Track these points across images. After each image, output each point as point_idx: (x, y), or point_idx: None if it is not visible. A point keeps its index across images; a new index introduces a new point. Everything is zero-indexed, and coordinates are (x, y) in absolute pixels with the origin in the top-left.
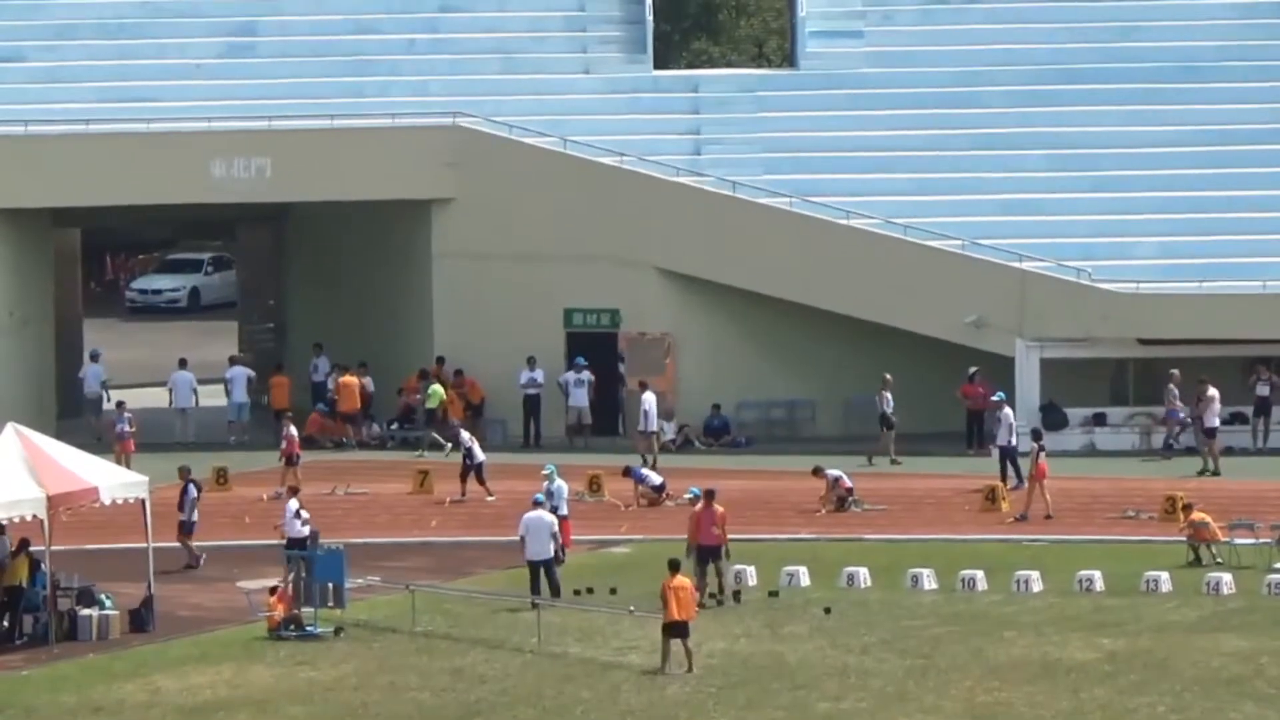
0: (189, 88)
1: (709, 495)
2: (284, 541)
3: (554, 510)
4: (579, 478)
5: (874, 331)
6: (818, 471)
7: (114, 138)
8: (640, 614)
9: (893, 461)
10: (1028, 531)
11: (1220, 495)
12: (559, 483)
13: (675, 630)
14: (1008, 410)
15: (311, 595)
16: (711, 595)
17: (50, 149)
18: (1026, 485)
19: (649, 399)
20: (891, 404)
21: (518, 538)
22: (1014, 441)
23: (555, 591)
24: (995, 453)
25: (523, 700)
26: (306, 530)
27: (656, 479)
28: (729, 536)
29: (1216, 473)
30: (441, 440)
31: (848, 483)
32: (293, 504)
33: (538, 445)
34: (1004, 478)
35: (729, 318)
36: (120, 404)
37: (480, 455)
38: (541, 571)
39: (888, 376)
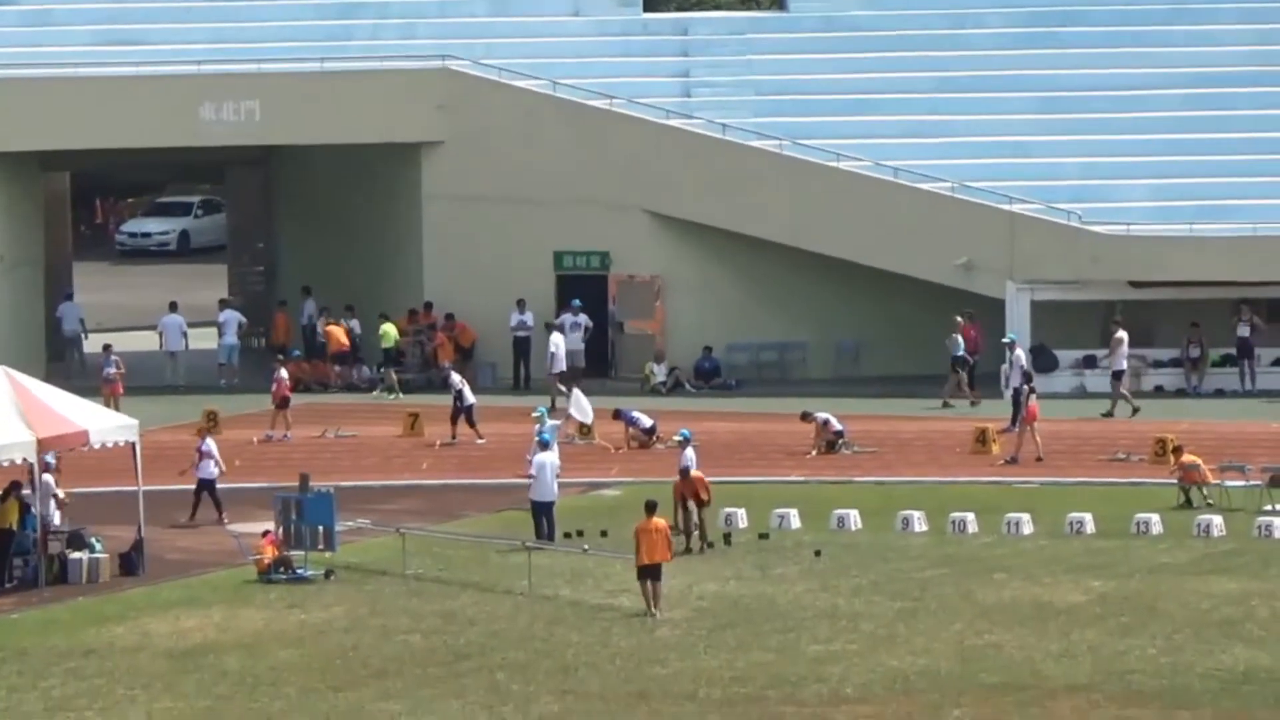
0: (178, 31)
1: (684, 472)
2: (194, 485)
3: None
4: (570, 420)
5: (864, 274)
6: (806, 416)
7: (103, 81)
8: (594, 553)
9: (972, 403)
10: (1018, 474)
11: (1210, 438)
12: (550, 424)
13: (648, 573)
14: (1020, 352)
15: (301, 538)
16: (705, 542)
17: (40, 92)
18: (1018, 428)
19: (556, 340)
20: (962, 346)
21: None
22: (1019, 384)
23: (550, 534)
24: (1009, 395)
25: (513, 643)
26: (217, 471)
27: (647, 421)
28: (708, 484)
29: (1110, 414)
30: (395, 384)
31: (837, 425)
32: (207, 443)
33: (527, 388)
34: (1015, 420)
35: (719, 260)
36: (107, 347)
37: (471, 398)
38: (542, 513)
39: (959, 319)
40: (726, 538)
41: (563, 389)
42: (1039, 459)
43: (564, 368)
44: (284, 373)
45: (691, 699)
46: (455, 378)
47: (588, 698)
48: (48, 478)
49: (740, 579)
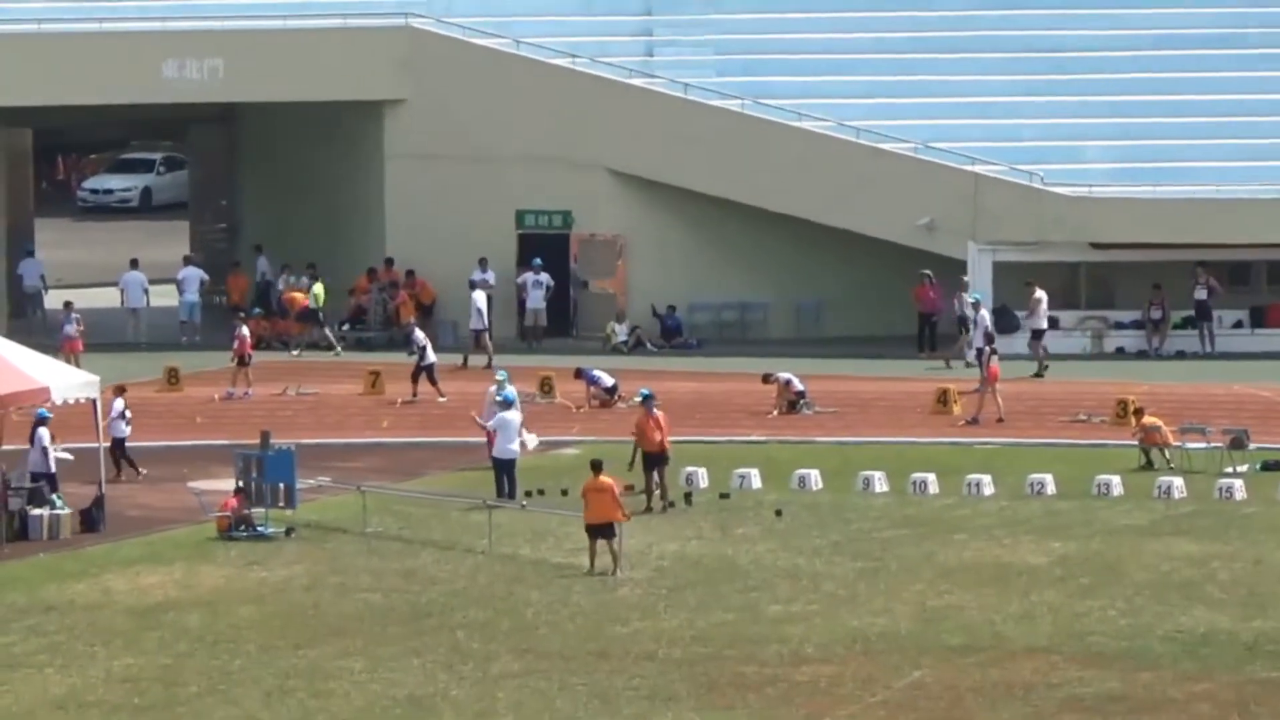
0: None
1: (648, 399)
2: (109, 444)
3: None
4: (531, 379)
5: (826, 234)
6: (768, 378)
7: (66, 37)
8: (533, 508)
9: (1038, 374)
10: (979, 435)
11: (1170, 399)
12: (510, 389)
13: (596, 532)
14: (984, 313)
15: (262, 496)
16: (666, 501)
17: (1, 48)
18: (979, 387)
19: (479, 298)
20: (969, 306)
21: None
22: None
23: (512, 493)
24: (972, 354)
25: (474, 602)
26: (129, 430)
27: (608, 380)
28: (669, 439)
29: (1040, 374)
30: (332, 341)
31: (799, 385)
32: (118, 403)
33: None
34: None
35: (681, 220)
36: (68, 304)
37: (432, 356)
38: (504, 471)
39: (966, 279)
40: (687, 497)
41: (485, 349)
42: (1000, 420)
43: (485, 325)
44: (245, 330)
45: (652, 658)
46: (419, 335)
47: (548, 656)
48: (44, 432)
49: (701, 539)
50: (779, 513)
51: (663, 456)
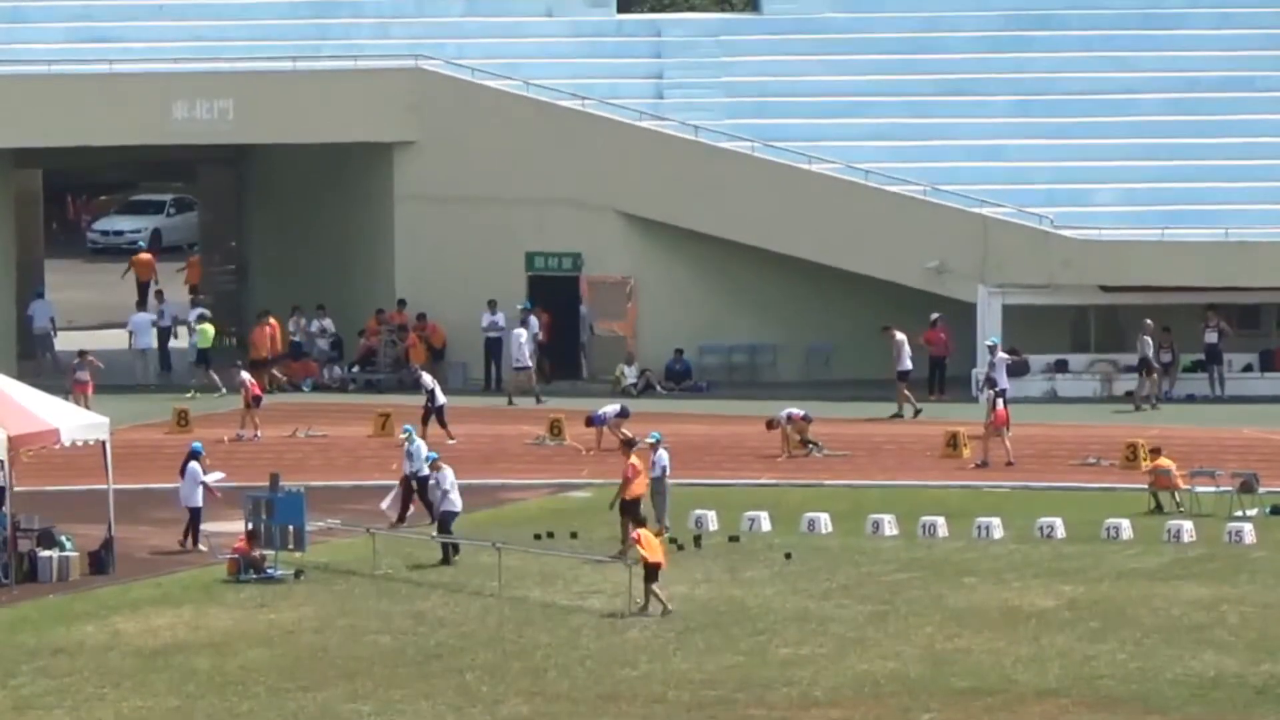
0: (151, 29)
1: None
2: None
3: (415, 473)
4: (540, 421)
5: (836, 277)
6: (772, 424)
7: (76, 79)
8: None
9: (1153, 405)
10: (989, 478)
11: (1181, 442)
12: (418, 443)
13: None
14: (1002, 355)
15: (272, 538)
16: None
17: (12, 90)
18: (984, 431)
19: (521, 334)
20: (1151, 347)
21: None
22: (1006, 387)
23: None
24: (987, 395)
25: (483, 644)
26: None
27: (614, 408)
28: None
29: (900, 415)
30: (218, 383)
31: (799, 412)
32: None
33: (499, 388)
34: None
35: (691, 262)
36: (82, 353)
37: (442, 398)
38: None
39: (1149, 322)
40: (697, 540)
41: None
42: (1009, 463)
43: (528, 364)
44: (246, 374)
45: (661, 701)
46: (426, 378)
47: (557, 699)
48: (195, 466)
49: (710, 581)
50: (788, 555)
51: (639, 503)
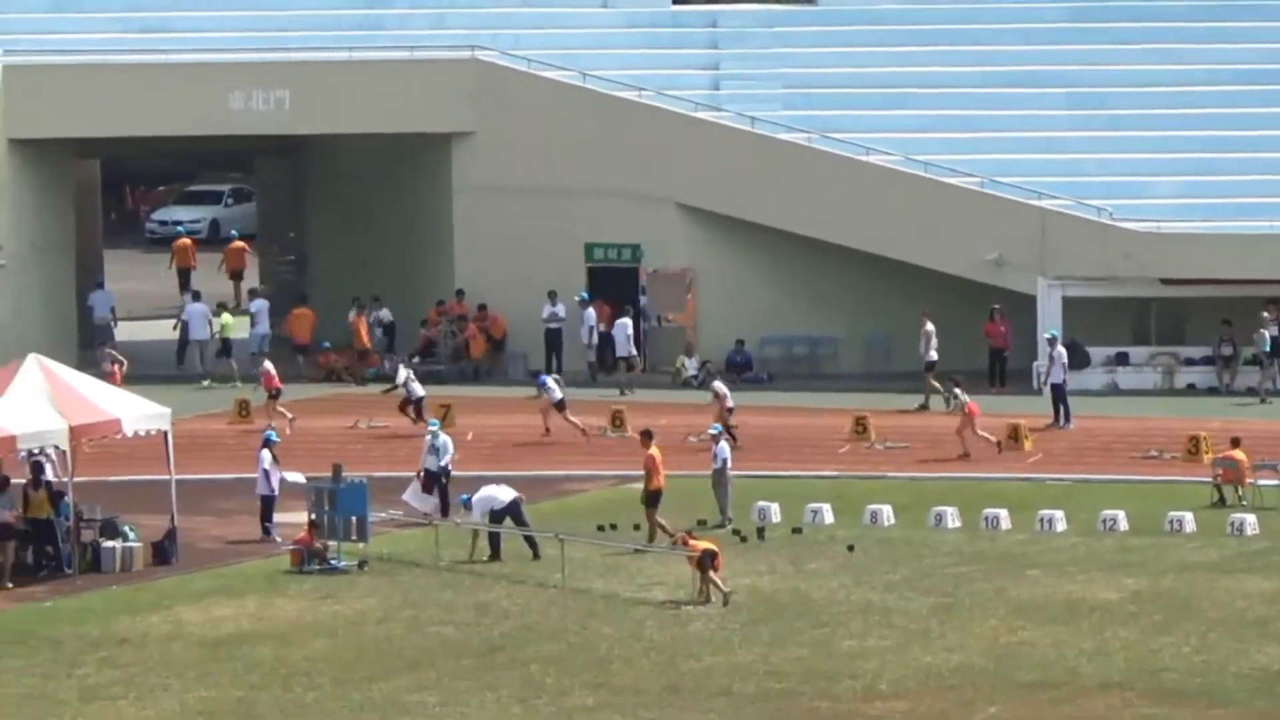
0: (208, 19)
1: (648, 436)
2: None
3: (443, 468)
4: (602, 412)
5: (896, 268)
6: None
7: (134, 69)
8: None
9: (1262, 400)
10: (1052, 471)
11: (1242, 436)
12: (443, 438)
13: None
14: (1060, 348)
15: (335, 529)
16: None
17: (70, 80)
18: (959, 424)
19: (627, 325)
20: (1269, 339)
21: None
22: (1065, 380)
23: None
24: (1047, 390)
25: (546, 636)
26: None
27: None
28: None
29: (926, 406)
30: (235, 373)
31: (730, 402)
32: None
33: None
34: (1057, 416)
35: (750, 253)
36: (103, 344)
37: (420, 391)
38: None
39: (1265, 314)
40: (760, 532)
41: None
42: (966, 455)
43: (631, 352)
44: (269, 365)
45: (725, 694)
46: (402, 372)
47: (621, 691)
48: (265, 454)
49: (774, 574)
50: (851, 548)
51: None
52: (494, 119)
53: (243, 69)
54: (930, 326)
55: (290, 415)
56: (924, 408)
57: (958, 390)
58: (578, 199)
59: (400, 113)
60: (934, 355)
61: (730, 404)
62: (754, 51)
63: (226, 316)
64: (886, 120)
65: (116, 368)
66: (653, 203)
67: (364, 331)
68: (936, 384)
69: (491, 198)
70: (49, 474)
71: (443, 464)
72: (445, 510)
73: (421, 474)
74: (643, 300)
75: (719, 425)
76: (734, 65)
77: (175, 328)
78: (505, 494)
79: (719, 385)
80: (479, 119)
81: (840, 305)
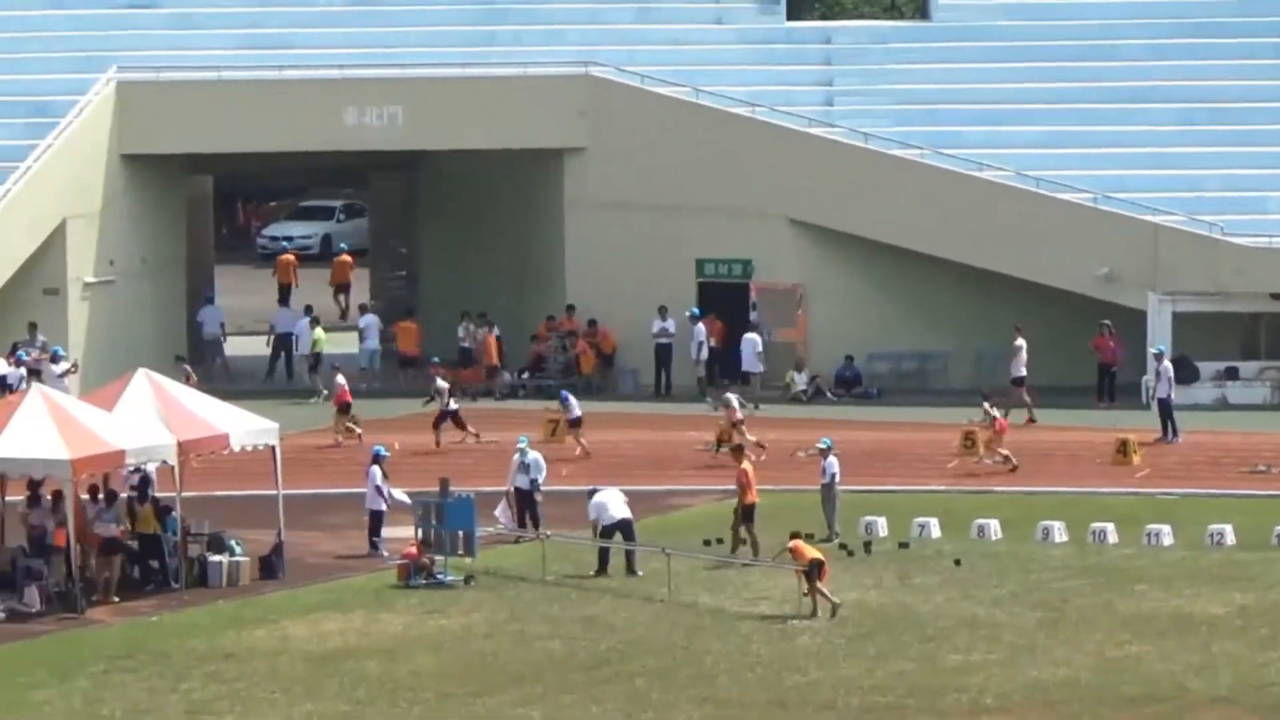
0: (322, 35)
1: (739, 451)
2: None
3: (533, 483)
4: (709, 427)
5: (1005, 283)
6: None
7: (247, 85)
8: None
9: (1031, 419)
10: (1159, 485)
11: None
12: (533, 455)
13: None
14: (1167, 364)
15: (442, 543)
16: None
17: (184, 96)
18: (989, 437)
19: (749, 340)
20: None
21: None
22: (1172, 394)
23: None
24: (1154, 406)
25: (653, 650)
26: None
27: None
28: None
29: (1034, 419)
30: (320, 388)
31: (739, 414)
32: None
33: (668, 394)
34: (1165, 430)
35: (861, 269)
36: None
37: (454, 404)
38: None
39: (1018, 331)
40: (867, 546)
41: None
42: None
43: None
44: (342, 379)
45: (830, 708)
46: (440, 382)
47: (727, 705)
48: (376, 470)
49: (880, 588)
50: (958, 562)
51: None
52: (606, 135)
53: (357, 85)
54: (1021, 342)
55: (359, 430)
56: (1032, 420)
57: (987, 405)
58: (689, 214)
59: (513, 129)
60: (1023, 371)
61: (739, 417)
62: (867, 67)
63: (320, 331)
64: (999, 135)
65: (189, 382)
66: (764, 218)
67: (493, 348)
68: (1027, 397)
69: (603, 213)
70: (135, 483)
71: (534, 480)
72: (536, 526)
73: (512, 492)
74: (753, 315)
75: (828, 440)
76: (847, 81)
77: (268, 343)
78: (619, 509)
79: (730, 397)
80: (591, 135)
81: (949, 320)
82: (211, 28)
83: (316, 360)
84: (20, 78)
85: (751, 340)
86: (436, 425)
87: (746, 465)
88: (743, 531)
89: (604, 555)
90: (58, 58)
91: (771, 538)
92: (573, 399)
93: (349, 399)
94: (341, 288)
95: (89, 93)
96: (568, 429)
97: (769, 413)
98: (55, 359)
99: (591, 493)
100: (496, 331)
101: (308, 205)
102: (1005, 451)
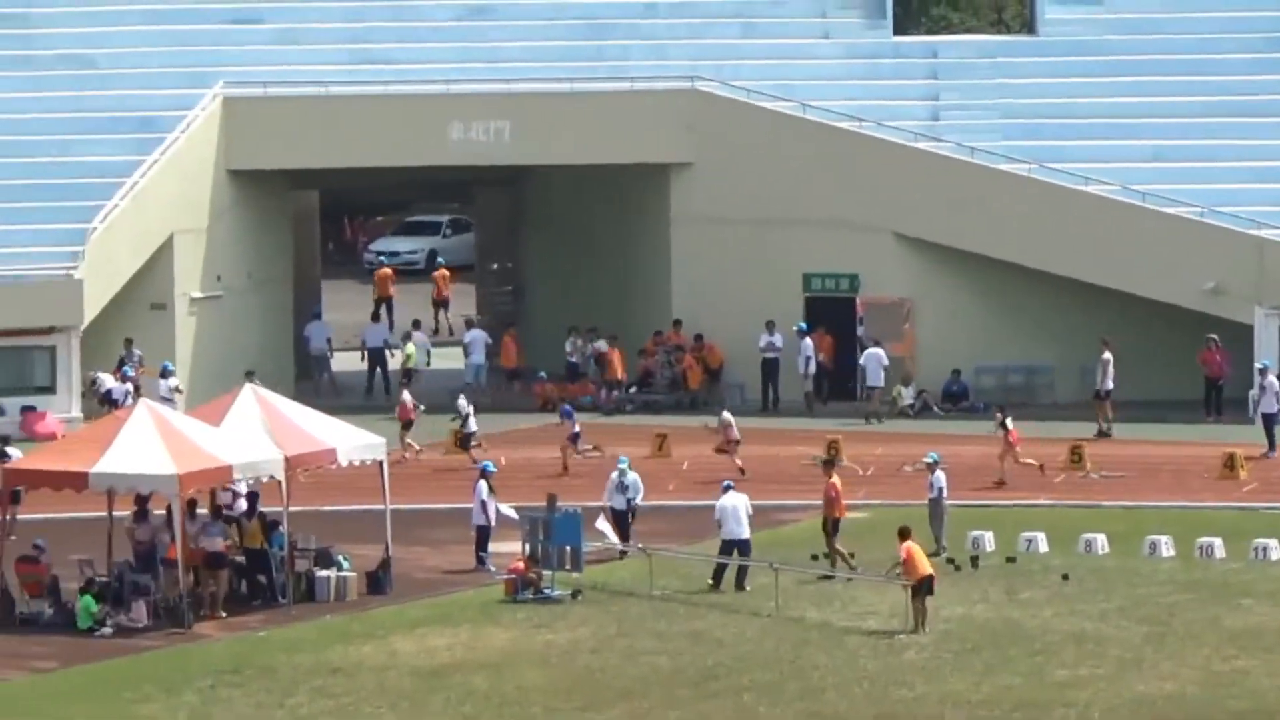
0: (427, 50)
1: (829, 465)
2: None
3: (629, 503)
4: (816, 442)
5: (1111, 297)
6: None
7: (353, 100)
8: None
9: (1103, 433)
10: (1266, 499)
11: None
12: (632, 475)
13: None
14: (1273, 378)
15: (549, 558)
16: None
17: (289, 111)
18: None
19: (874, 354)
20: None
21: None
22: (1277, 409)
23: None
24: (1260, 420)
25: (760, 664)
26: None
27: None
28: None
29: (1108, 434)
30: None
31: (736, 434)
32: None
33: (775, 409)
34: (1270, 445)
35: (967, 283)
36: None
37: (473, 426)
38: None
39: (1105, 345)
40: (974, 561)
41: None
42: (1001, 482)
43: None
44: (407, 395)
45: None
46: (464, 404)
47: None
48: (483, 484)
49: (987, 602)
50: (1065, 576)
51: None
52: (713, 149)
53: (463, 100)
54: (1108, 355)
55: (418, 447)
56: (1103, 434)
57: (999, 415)
58: (795, 229)
59: (619, 143)
60: (1110, 385)
61: (736, 435)
62: (974, 82)
63: (411, 346)
64: (1105, 150)
65: None
66: (870, 232)
67: (618, 362)
68: (1109, 411)
69: (709, 228)
70: (228, 502)
71: (631, 500)
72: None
73: (609, 511)
74: (860, 330)
75: (935, 454)
76: (954, 95)
77: (362, 357)
78: (741, 528)
79: (726, 415)
80: (698, 149)
81: (1056, 334)
82: (317, 43)
83: (407, 375)
84: (127, 93)
85: (876, 354)
86: (459, 443)
87: (835, 479)
88: (837, 543)
89: (720, 571)
90: (164, 73)
91: (881, 552)
92: (574, 411)
93: (411, 416)
94: (440, 303)
95: (195, 108)
96: (570, 446)
97: (877, 427)
98: (165, 374)
99: (726, 488)
100: (602, 345)
101: (414, 220)
102: (1028, 460)
